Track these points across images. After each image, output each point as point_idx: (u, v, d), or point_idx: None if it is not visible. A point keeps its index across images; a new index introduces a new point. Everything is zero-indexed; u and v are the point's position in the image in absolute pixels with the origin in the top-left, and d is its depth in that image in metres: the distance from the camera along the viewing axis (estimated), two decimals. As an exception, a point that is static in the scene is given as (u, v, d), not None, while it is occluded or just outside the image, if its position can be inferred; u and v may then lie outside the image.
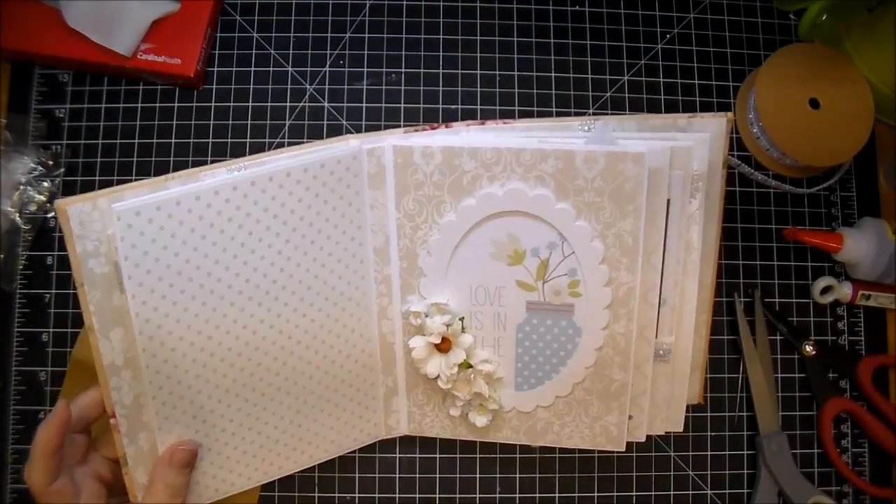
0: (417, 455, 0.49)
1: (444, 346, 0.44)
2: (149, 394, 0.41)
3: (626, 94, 0.52)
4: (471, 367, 0.44)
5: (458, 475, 0.49)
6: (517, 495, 0.49)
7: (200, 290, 0.40)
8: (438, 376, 0.44)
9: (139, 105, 0.51)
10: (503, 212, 0.43)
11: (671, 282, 0.44)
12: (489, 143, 0.42)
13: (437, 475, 0.49)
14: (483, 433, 0.46)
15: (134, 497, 0.43)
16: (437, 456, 0.49)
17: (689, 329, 0.45)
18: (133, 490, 0.42)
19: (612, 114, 0.52)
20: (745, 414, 0.50)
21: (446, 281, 0.44)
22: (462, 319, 0.45)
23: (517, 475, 0.49)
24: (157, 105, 0.51)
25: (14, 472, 0.48)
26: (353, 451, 0.48)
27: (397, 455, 0.49)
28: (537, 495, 0.49)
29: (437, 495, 0.49)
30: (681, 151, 0.42)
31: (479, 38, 0.53)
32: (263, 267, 0.42)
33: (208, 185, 0.40)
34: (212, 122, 0.51)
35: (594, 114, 0.52)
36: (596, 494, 0.49)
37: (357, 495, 0.49)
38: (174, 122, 0.51)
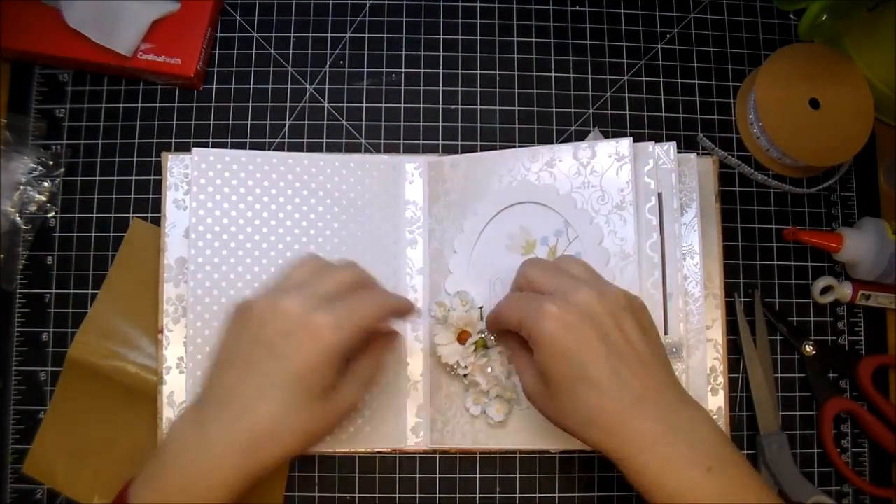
0: (417, 455, 0.49)
1: (463, 337, 0.46)
2: (190, 334, 0.46)
3: (626, 94, 0.52)
4: (486, 347, 0.46)
5: (458, 475, 0.49)
6: (517, 495, 0.49)
7: (244, 238, 0.47)
8: (457, 362, 0.45)
9: (139, 105, 0.51)
10: (516, 203, 0.48)
11: (674, 279, 0.46)
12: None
13: (437, 475, 0.49)
14: (501, 439, 0.46)
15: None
16: (437, 456, 0.49)
17: (700, 326, 0.47)
18: (161, 411, 0.46)
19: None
20: (745, 414, 0.50)
21: (468, 276, 0.48)
22: (481, 308, 0.47)
23: (517, 475, 0.49)
24: (157, 105, 0.51)
25: (14, 472, 0.48)
26: (354, 451, 0.48)
27: (397, 455, 0.49)
28: (537, 495, 0.49)
29: (437, 495, 0.49)
30: (663, 151, 0.47)
31: (479, 38, 0.53)
32: (308, 238, 0.48)
33: (268, 153, 0.49)
34: (212, 122, 0.51)
35: (594, 118, 0.52)
36: (596, 494, 0.49)
37: (357, 495, 0.49)
38: (174, 122, 0.51)
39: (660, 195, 0.46)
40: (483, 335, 0.46)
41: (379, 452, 0.48)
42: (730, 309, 0.50)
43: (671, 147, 0.46)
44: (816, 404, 0.50)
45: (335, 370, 0.36)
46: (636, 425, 0.35)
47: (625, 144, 0.46)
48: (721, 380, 0.48)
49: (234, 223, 0.47)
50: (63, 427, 0.48)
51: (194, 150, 0.47)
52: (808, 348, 0.50)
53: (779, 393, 0.50)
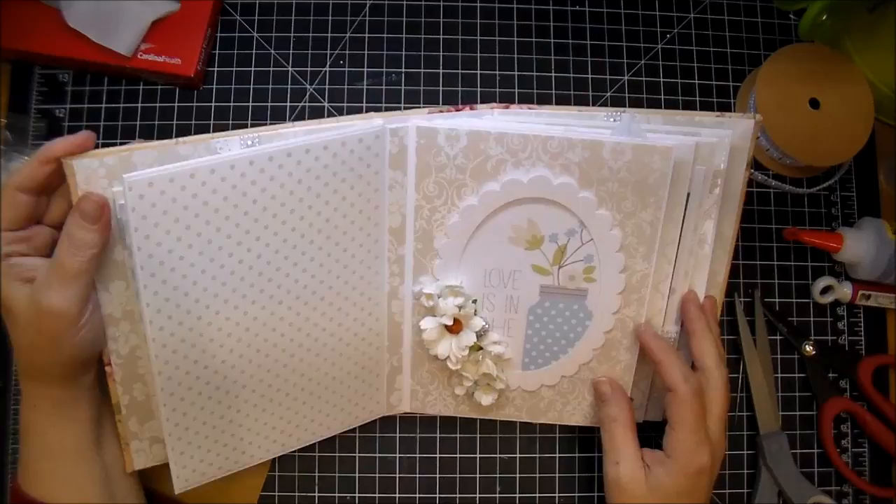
0: (417, 455, 0.49)
1: (455, 327, 0.44)
2: (154, 368, 0.40)
3: (626, 94, 0.52)
4: (481, 349, 0.45)
5: (458, 475, 0.49)
6: (517, 495, 0.49)
7: (211, 264, 0.40)
8: (448, 357, 0.44)
9: (139, 105, 0.51)
10: (526, 198, 0.43)
11: (682, 272, 0.45)
12: (515, 129, 0.42)
13: (437, 475, 0.49)
14: (486, 411, 0.46)
15: (125, 443, 0.43)
16: (438, 456, 0.49)
17: None
18: (126, 437, 0.43)
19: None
20: (745, 414, 0.50)
21: (461, 263, 0.45)
22: (475, 302, 0.45)
23: (517, 475, 0.49)
24: (157, 105, 0.51)
25: (14, 472, 0.48)
26: (353, 451, 0.48)
27: (397, 455, 0.49)
28: (537, 495, 0.49)
29: (437, 495, 0.49)
30: (705, 147, 0.42)
31: (479, 38, 0.53)
32: (276, 243, 0.41)
33: (224, 158, 0.39)
34: (212, 122, 0.51)
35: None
36: (596, 494, 0.49)
37: (357, 495, 0.49)
38: (174, 122, 0.51)
39: (688, 195, 0.43)
40: (478, 339, 0.44)
41: (361, 447, 0.48)
42: (730, 309, 0.50)
43: (718, 145, 0.42)
44: (816, 404, 0.50)
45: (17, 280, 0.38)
46: None
47: (665, 146, 0.41)
48: None
49: (191, 242, 0.39)
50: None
51: (125, 178, 0.36)
52: (808, 348, 0.50)
53: (779, 393, 0.50)
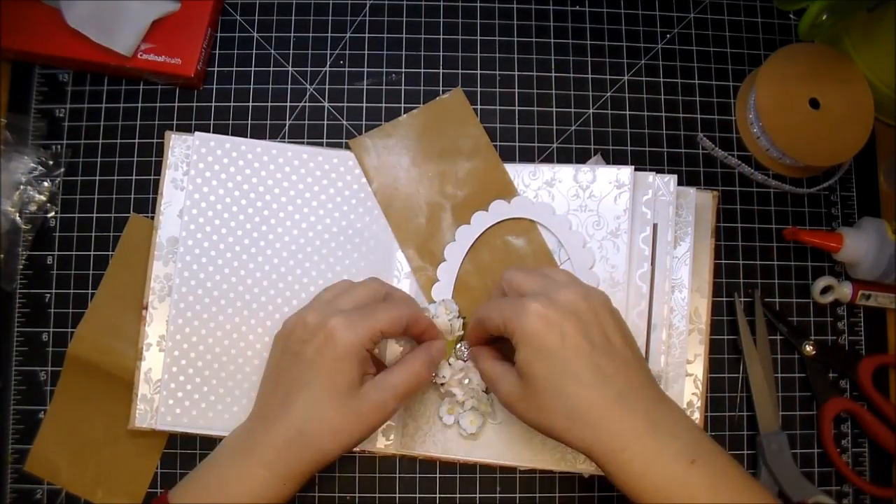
0: (418, 457, 0.49)
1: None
2: (172, 303, 0.47)
3: (626, 94, 0.52)
4: (455, 357, 0.46)
5: (458, 475, 0.49)
6: (517, 495, 0.49)
7: (242, 234, 0.47)
8: (434, 371, 0.45)
9: (139, 105, 0.51)
10: (511, 218, 0.47)
11: (660, 308, 0.46)
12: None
13: (437, 475, 0.49)
14: (471, 450, 0.46)
15: (134, 395, 0.46)
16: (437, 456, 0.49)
17: (681, 360, 0.47)
18: (136, 388, 0.46)
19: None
20: (745, 414, 0.50)
21: (456, 286, 0.47)
22: (464, 318, 0.46)
23: (517, 475, 0.49)
24: (157, 105, 0.51)
25: (14, 472, 0.48)
26: (353, 451, 0.48)
27: (397, 454, 0.49)
28: (537, 495, 0.49)
29: (438, 495, 0.49)
30: (663, 183, 0.48)
31: (479, 38, 0.53)
32: (301, 232, 0.48)
33: (282, 145, 0.49)
34: (212, 122, 0.51)
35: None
36: (596, 494, 0.49)
37: (357, 495, 0.49)
38: (174, 122, 0.51)
39: (655, 226, 0.46)
40: (457, 342, 0.46)
41: (361, 449, 0.48)
42: (730, 309, 0.50)
43: (672, 180, 0.47)
44: (816, 404, 0.50)
45: (355, 368, 0.38)
46: (620, 419, 0.35)
47: (626, 172, 0.46)
48: (697, 416, 0.47)
49: (227, 210, 0.47)
50: (65, 423, 0.48)
51: (196, 133, 0.48)
52: (808, 348, 0.50)
53: (779, 393, 0.50)
